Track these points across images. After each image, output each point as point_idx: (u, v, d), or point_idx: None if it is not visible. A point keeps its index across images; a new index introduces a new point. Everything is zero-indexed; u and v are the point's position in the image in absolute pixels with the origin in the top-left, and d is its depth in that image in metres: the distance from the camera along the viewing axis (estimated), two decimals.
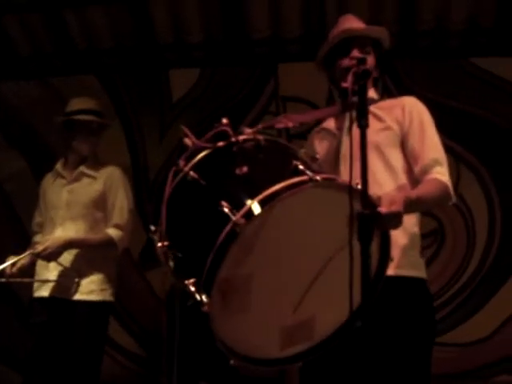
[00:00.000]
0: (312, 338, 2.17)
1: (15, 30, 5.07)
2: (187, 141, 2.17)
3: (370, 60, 2.62)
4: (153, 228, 2.19)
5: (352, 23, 2.75)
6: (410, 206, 2.24)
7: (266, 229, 1.91)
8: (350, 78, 2.04)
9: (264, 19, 4.80)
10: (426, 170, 2.49)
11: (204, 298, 1.88)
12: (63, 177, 3.85)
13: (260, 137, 2.13)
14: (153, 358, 4.87)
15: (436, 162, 2.50)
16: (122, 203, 3.79)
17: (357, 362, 1.94)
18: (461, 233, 4.77)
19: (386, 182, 2.48)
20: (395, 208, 2.12)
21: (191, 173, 2.07)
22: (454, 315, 4.68)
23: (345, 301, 1.92)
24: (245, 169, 2.00)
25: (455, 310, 4.69)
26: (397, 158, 2.57)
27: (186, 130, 2.19)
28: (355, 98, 2.01)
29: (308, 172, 1.95)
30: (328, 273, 2.07)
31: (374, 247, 2.07)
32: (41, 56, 5.23)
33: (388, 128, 2.57)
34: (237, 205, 1.90)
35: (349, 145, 2.06)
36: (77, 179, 3.81)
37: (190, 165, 2.10)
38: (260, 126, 2.20)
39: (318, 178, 1.92)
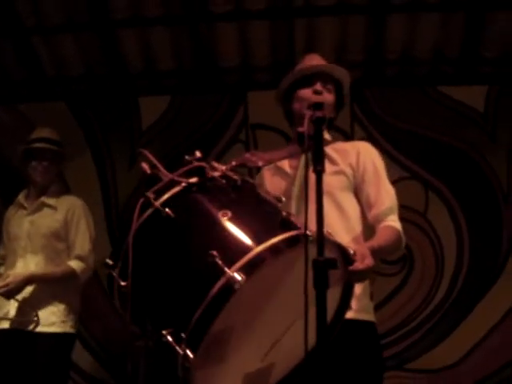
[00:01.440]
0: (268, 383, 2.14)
1: None
2: (144, 166, 2.08)
3: (330, 98, 2.68)
4: (110, 262, 2.03)
5: (317, 61, 2.82)
6: (374, 255, 2.29)
7: (255, 283, 1.82)
8: (306, 122, 2.02)
9: (233, 48, 4.84)
10: (381, 218, 2.57)
11: (188, 352, 1.76)
12: (24, 207, 3.85)
13: (236, 176, 2.06)
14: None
15: (390, 211, 2.59)
16: (83, 234, 3.78)
17: None
18: (429, 259, 4.80)
19: (337, 227, 2.48)
20: (369, 262, 2.19)
21: (166, 209, 1.92)
22: (422, 342, 4.69)
23: (301, 347, 1.89)
24: (229, 213, 1.91)
25: (424, 337, 4.70)
26: (349, 203, 2.63)
27: (149, 155, 2.10)
28: (311, 143, 2.01)
29: (298, 225, 1.92)
30: (296, 324, 2.01)
31: (336, 295, 2.11)
32: (9, 82, 5.20)
33: (341, 172, 2.62)
34: (229, 257, 1.79)
35: (303, 187, 2.09)
36: (37, 210, 3.81)
37: (162, 199, 1.96)
38: (234, 164, 2.17)
39: (309, 233, 1.87)
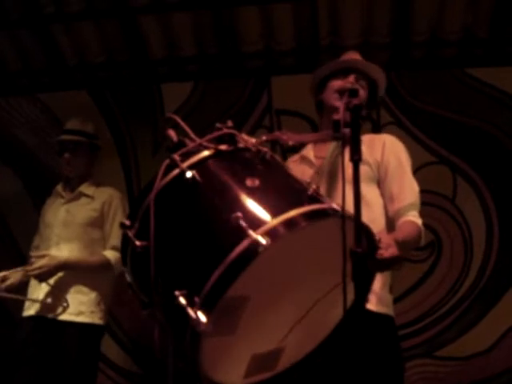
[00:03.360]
0: (275, 368, 2.06)
1: (5, 46, 5.02)
2: (171, 132, 2.05)
3: (363, 93, 2.70)
4: (127, 222, 1.97)
5: (355, 57, 2.83)
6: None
7: (278, 253, 1.73)
8: (341, 109, 1.99)
9: (256, 32, 4.76)
10: (402, 213, 2.57)
11: (200, 315, 1.66)
12: (62, 196, 3.85)
13: (265, 149, 2.02)
14: (149, 375, 4.80)
15: (412, 207, 2.59)
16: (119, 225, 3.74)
17: None
18: (458, 245, 4.71)
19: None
20: (394, 252, 2.17)
21: (192, 173, 1.86)
22: (451, 329, 4.62)
23: (315, 335, 1.89)
24: (257, 182, 1.85)
25: (453, 324, 4.63)
26: (373, 195, 2.62)
27: (178, 120, 2.04)
28: (347, 130, 1.97)
29: (326, 199, 1.87)
30: (316, 308, 1.97)
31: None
32: (30, 72, 5.17)
33: (365, 163, 2.59)
34: (254, 222, 1.70)
35: (333, 175, 2.07)
36: (75, 199, 3.81)
37: (189, 162, 1.90)
38: (264, 138, 2.15)
39: (335, 206, 1.82)
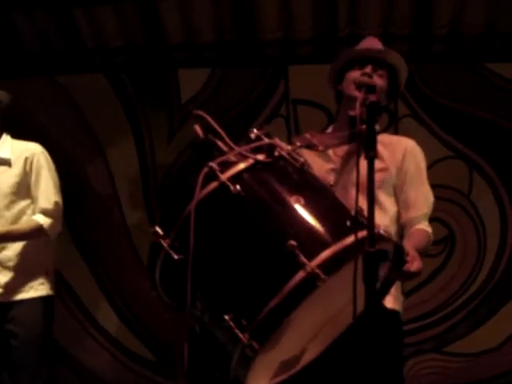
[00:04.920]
0: (297, 366, 2.10)
1: (24, 26, 5.01)
2: (197, 129, 2.03)
3: (380, 82, 2.62)
4: (160, 231, 1.90)
5: (374, 45, 2.79)
6: None
7: (336, 281, 1.75)
8: (357, 105, 1.97)
9: (275, 20, 4.73)
10: (415, 222, 2.60)
11: (254, 342, 1.69)
12: None
13: (301, 158, 1.99)
14: (162, 362, 4.82)
15: (425, 216, 2.63)
16: (46, 185, 3.41)
17: None
18: (471, 241, 4.69)
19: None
20: (420, 265, 2.21)
21: (236, 186, 1.82)
22: (463, 324, 4.62)
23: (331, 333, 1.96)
24: (301, 200, 1.83)
25: (464, 319, 4.63)
26: (389, 202, 2.62)
27: (208, 118, 2.02)
28: (363, 127, 1.92)
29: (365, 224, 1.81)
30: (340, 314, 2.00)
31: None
32: (49, 53, 5.17)
33: (385, 169, 2.60)
34: (307, 249, 1.70)
35: (349, 174, 2.14)
36: None
37: (229, 174, 1.85)
38: (298, 145, 2.12)
39: (381, 232, 1.82)
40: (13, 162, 3.42)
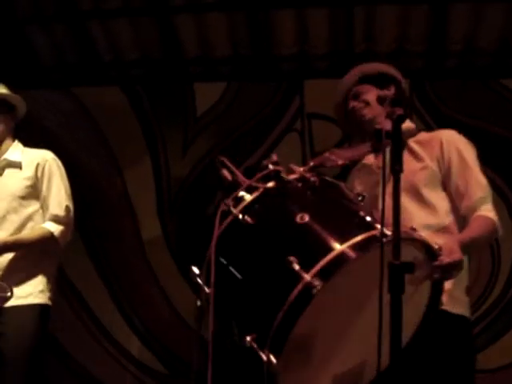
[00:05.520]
0: (362, 381, 2.12)
1: (40, 39, 5.06)
2: (225, 173, 2.14)
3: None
4: (196, 270, 2.10)
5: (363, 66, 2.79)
6: (465, 249, 2.26)
7: (334, 287, 1.83)
8: (383, 119, 2.00)
9: (291, 35, 4.77)
10: (473, 209, 2.50)
11: (272, 357, 1.80)
12: None
13: (313, 177, 2.06)
14: (174, 375, 4.82)
15: (483, 201, 2.51)
16: (58, 191, 3.32)
17: None
18: (485, 257, 4.67)
19: (422, 222, 2.40)
20: (457, 257, 2.14)
21: (245, 217, 1.97)
22: (476, 340, 4.60)
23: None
24: (306, 217, 1.92)
25: (479, 335, 4.60)
26: (436, 198, 2.56)
27: (227, 162, 2.14)
28: (388, 141, 1.93)
29: (376, 225, 1.89)
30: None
31: (425, 294, 2.10)
32: (65, 66, 5.21)
33: (426, 167, 2.55)
34: (306, 262, 1.81)
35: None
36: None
37: (241, 207, 2.00)
38: (311, 164, 2.16)
39: (389, 232, 1.83)
40: (24, 166, 3.34)
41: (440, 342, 2.37)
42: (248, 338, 1.85)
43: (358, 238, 1.86)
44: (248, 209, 2.00)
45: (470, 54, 4.69)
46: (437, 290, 2.13)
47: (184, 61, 5.03)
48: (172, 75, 5.11)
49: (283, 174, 2.06)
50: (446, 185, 2.58)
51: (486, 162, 4.54)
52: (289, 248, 1.88)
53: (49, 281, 3.29)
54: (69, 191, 3.37)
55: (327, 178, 2.18)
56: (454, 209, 2.56)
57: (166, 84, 5.15)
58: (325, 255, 1.82)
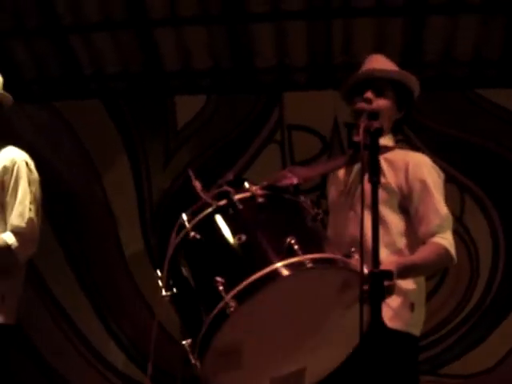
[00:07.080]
0: None
1: (21, 53, 5.08)
2: (197, 184, 2.20)
3: (383, 103, 2.65)
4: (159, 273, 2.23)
5: (376, 64, 2.79)
6: (404, 273, 2.34)
7: (258, 306, 1.94)
8: (361, 132, 2.03)
9: (270, 48, 4.83)
10: (429, 235, 2.54)
11: (197, 362, 1.99)
12: None
13: (260, 197, 2.13)
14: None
15: (439, 228, 2.54)
16: (22, 199, 2.95)
17: None
18: (464, 263, 4.73)
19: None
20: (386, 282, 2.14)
21: (192, 233, 2.10)
22: (457, 346, 4.65)
23: (336, 351, 2.09)
24: (243, 237, 2.02)
25: (458, 342, 4.66)
26: (392, 218, 2.60)
27: (192, 174, 2.22)
28: (366, 153, 2.00)
29: (300, 253, 1.96)
30: (322, 329, 2.13)
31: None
32: (46, 79, 5.24)
33: (386, 186, 2.56)
34: (231, 282, 1.93)
35: (355, 197, 2.19)
36: None
37: (192, 223, 2.12)
38: (265, 183, 2.20)
39: (309, 265, 1.94)
40: None
41: (379, 357, 2.38)
42: (184, 343, 2.05)
43: (277, 265, 1.94)
44: (199, 224, 2.11)
45: (447, 65, 4.76)
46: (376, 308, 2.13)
47: (164, 74, 5.07)
48: (153, 88, 5.15)
49: (231, 194, 2.11)
50: (406, 207, 2.61)
51: (464, 171, 4.70)
52: (221, 267, 2.02)
53: (5, 298, 2.96)
54: (38, 199, 3.04)
55: (286, 195, 2.23)
56: (410, 233, 2.61)
57: (147, 97, 5.18)
58: (246, 277, 1.92)
